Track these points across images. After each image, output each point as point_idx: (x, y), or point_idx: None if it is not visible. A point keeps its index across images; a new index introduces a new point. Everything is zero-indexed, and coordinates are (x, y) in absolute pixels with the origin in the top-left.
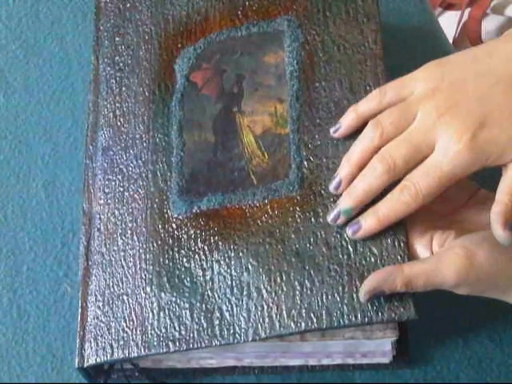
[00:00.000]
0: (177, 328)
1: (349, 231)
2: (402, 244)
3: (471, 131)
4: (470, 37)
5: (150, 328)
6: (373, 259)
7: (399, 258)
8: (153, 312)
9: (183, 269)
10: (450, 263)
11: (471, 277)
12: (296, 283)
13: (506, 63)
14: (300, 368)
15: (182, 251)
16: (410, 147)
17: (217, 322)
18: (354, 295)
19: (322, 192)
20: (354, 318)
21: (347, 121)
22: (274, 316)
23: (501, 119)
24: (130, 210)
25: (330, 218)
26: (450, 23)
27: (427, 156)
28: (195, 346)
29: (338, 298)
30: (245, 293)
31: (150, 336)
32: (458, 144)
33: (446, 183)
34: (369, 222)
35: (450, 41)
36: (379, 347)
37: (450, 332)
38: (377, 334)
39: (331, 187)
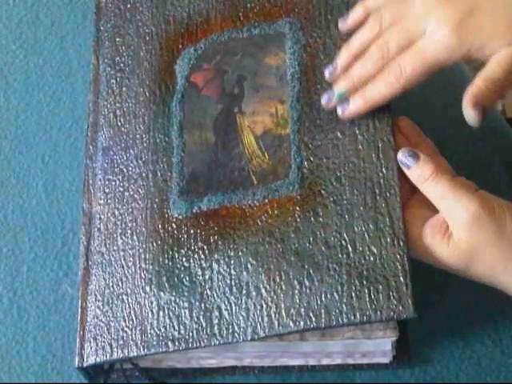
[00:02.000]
0: (176, 327)
1: (339, 110)
2: (401, 243)
3: (458, 18)
4: None
5: (149, 327)
6: (372, 258)
7: (398, 257)
8: (152, 311)
9: (183, 268)
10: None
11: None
12: (295, 282)
13: None
14: (300, 368)
15: (182, 251)
16: (403, 34)
17: (216, 322)
18: (353, 294)
19: (322, 192)
20: (352, 317)
21: (355, 13)
22: (273, 315)
23: (489, 10)
24: (130, 210)
25: (323, 100)
26: None
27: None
28: (194, 345)
29: (337, 297)
30: (244, 292)
31: (149, 335)
32: (444, 28)
33: (429, 67)
34: (356, 103)
35: None
36: (379, 347)
37: (450, 332)
38: (377, 334)
39: (326, 72)
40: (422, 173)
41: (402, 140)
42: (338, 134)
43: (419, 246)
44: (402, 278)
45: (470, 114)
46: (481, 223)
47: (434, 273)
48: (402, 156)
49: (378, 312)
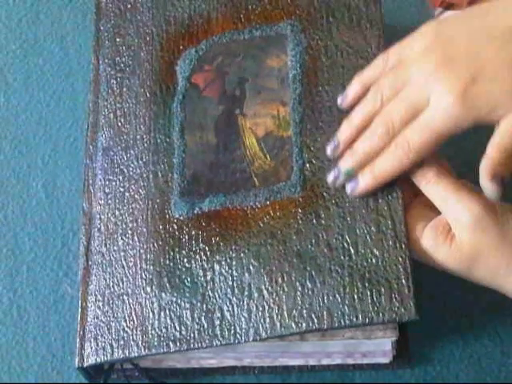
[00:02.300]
0: (177, 328)
1: (348, 189)
2: (403, 246)
3: (463, 85)
4: None
5: (150, 328)
6: (374, 260)
7: (400, 259)
8: (153, 312)
9: (184, 269)
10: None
11: (485, 222)
12: (297, 284)
13: (501, 19)
14: (300, 368)
15: (183, 251)
16: (406, 106)
17: (217, 322)
18: (355, 296)
19: (324, 194)
20: (354, 319)
21: (353, 90)
22: (275, 316)
23: (493, 74)
24: (131, 211)
25: (330, 178)
26: None
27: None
28: (196, 346)
29: (339, 299)
30: (246, 293)
31: (150, 336)
32: (450, 98)
33: (438, 138)
34: (366, 179)
35: None
36: (379, 347)
37: (450, 332)
38: (377, 334)
39: (328, 148)
40: (424, 174)
41: None
42: None
43: (421, 247)
44: (404, 281)
45: (488, 188)
46: (483, 225)
47: (434, 273)
48: None
49: (380, 314)
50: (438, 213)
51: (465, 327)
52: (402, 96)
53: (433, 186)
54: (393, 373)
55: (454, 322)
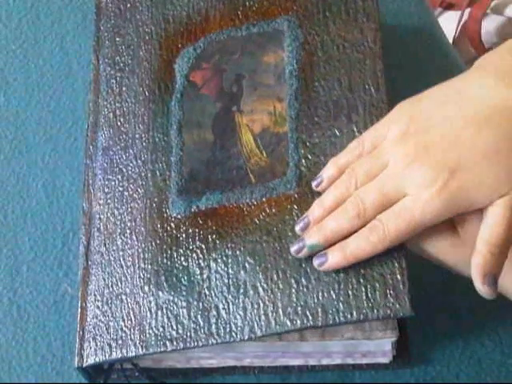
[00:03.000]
0: (174, 327)
1: (315, 262)
2: None
3: (441, 179)
4: (469, 37)
5: (147, 327)
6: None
7: (395, 254)
8: (150, 311)
9: (181, 267)
10: None
11: None
12: (292, 281)
13: (474, 102)
14: (300, 368)
15: (180, 250)
16: (379, 194)
17: (213, 321)
18: (350, 292)
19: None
20: (349, 315)
21: (328, 174)
22: (270, 314)
23: (471, 164)
24: (130, 210)
25: (293, 248)
26: (449, 23)
27: (397, 201)
28: (192, 344)
29: (334, 296)
30: (241, 291)
31: (147, 335)
32: (428, 193)
33: (415, 229)
34: (335, 258)
35: (450, 41)
36: (379, 347)
37: (450, 332)
38: (377, 334)
39: (297, 227)
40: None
41: None
42: (336, 132)
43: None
44: (398, 276)
45: (482, 290)
46: None
47: (434, 273)
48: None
49: (375, 310)
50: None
51: (465, 327)
52: (377, 185)
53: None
54: (393, 373)
55: (454, 322)
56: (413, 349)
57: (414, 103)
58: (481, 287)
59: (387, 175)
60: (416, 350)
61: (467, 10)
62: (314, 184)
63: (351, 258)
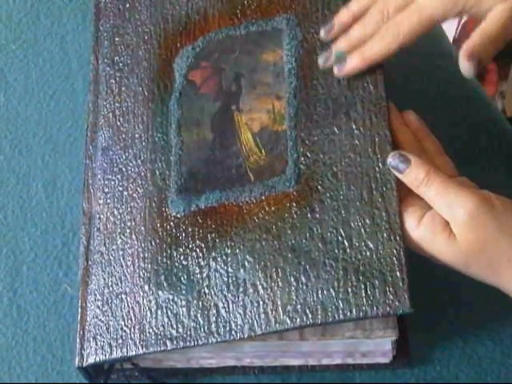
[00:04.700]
0: (174, 326)
1: (335, 69)
2: (397, 238)
3: None
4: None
5: (147, 326)
6: (368, 253)
7: (395, 251)
8: (150, 310)
9: (181, 266)
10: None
11: (482, 219)
12: (292, 279)
13: None
14: (300, 368)
15: (180, 249)
16: None
17: (213, 319)
18: (349, 290)
19: (319, 187)
20: (349, 313)
21: (340, 19)
22: (270, 312)
23: None
24: (129, 209)
25: (321, 59)
26: (449, 23)
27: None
28: (192, 343)
29: (334, 293)
30: (241, 289)
31: (147, 334)
32: None
33: (425, 24)
34: (354, 60)
35: (450, 41)
36: (379, 347)
37: (450, 332)
38: (377, 334)
39: (322, 30)
40: (415, 177)
41: (407, 133)
42: (335, 129)
43: (418, 235)
44: (398, 273)
45: (465, 66)
46: (480, 221)
47: (434, 272)
48: (392, 160)
49: (375, 307)
50: None
51: (465, 327)
52: None
53: (425, 187)
54: (393, 373)
55: (454, 322)
56: (413, 349)
57: None
58: (465, 63)
59: None
60: (416, 350)
61: None
62: (323, 31)
63: (367, 60)
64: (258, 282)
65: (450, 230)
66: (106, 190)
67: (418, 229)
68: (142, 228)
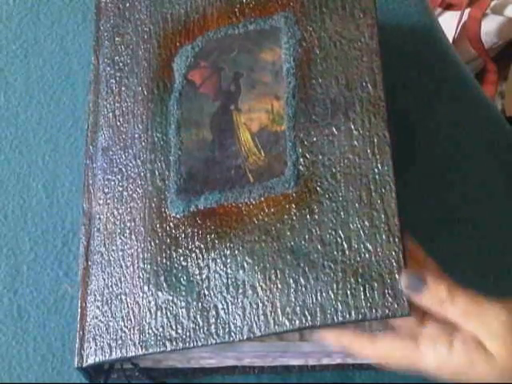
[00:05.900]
0: (173, 327)
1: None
2: (396, 240)
3: None
4: (469, 37)
5: (147, 327)
6: (367, 255)
7: (394, 253)
8: (150, 311)
9: (180, 267)
10: None
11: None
12: (291, 280)
13: None
14: (300, 368)
15: (179, 250)
16: None
17: (213, 321)
18: (348, 292)
19: (318, 189)
20: (347, 315)
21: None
22: (269, 314)
23: None
24: (129, 210)
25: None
26: (449, 23)
27: None
28: (192, 344)
29: (332, 295)
30: (240, 291)
31: (147, 335)
32: None
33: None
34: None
35: (450, 41)
36: None
37: None
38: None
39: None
40: (436, 296)
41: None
42: (334, 130)
43: (454, 365)
44: (397, 275)
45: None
46: None
47: None
48: (409, 281)
49: (373, 310)
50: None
51: None
52: None
53: (449, 305)
54: (393, 373)
55: None
56: None
57: None
58: None
59: None
60: None
61: (467, 10)
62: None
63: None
64: (257, 284)
65: (484, 347)
66: (106, 190)
67: (451, 356)
68: (142, 228)
